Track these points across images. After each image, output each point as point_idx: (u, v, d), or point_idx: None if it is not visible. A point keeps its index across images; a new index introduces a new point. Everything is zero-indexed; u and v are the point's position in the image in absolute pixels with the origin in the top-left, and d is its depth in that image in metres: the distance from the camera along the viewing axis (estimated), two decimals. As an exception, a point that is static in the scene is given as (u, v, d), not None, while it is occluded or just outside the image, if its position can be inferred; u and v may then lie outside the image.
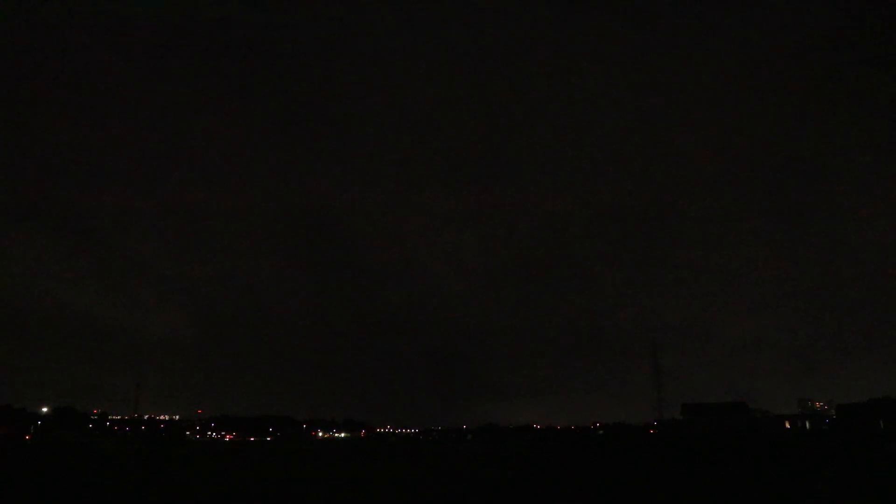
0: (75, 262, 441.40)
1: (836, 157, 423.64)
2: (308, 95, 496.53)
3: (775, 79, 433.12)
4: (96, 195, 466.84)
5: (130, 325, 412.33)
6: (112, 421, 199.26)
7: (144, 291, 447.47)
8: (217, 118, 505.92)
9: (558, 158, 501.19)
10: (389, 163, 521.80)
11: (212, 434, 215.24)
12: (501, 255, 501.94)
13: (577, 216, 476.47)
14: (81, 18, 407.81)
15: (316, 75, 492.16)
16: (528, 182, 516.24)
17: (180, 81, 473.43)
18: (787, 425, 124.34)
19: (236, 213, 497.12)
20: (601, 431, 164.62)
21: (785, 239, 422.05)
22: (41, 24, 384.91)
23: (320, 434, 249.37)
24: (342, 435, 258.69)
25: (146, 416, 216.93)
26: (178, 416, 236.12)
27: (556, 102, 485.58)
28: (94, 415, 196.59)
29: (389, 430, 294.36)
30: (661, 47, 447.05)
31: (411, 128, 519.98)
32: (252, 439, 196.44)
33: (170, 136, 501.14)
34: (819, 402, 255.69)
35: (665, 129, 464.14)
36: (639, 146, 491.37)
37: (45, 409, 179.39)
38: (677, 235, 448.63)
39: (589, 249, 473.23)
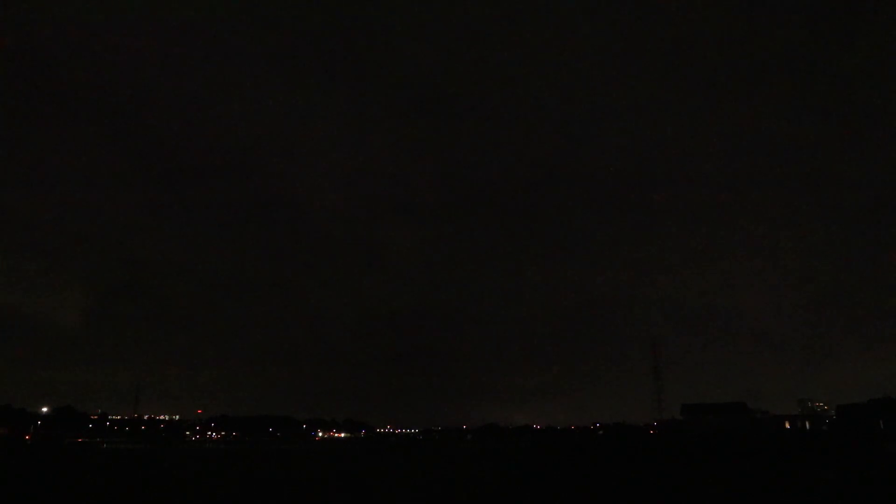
0: (74, 262, 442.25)
1: (837, 158, 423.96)
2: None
3: (778, 75, 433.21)
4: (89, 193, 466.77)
5: (130, 326, 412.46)
6: (112, 421, 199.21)
7: (141, 291, 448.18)
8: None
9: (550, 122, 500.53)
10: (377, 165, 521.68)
11: (211, 434, 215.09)
12: (500, 254, 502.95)
13: (578, 213, 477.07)
14: (78, 20, 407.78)
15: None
16: (528, 175, 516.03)
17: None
18: (787, 425, 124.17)
19: (229, 209, 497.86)
20: (601, 431, 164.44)
21: (786, 239, 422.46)
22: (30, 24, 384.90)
23: (320, 434, 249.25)
24: (342, 435, 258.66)
25: (146, 416, 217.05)
26: (178, 416, 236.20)
27: (557, 106, 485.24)
28: (95, 415, 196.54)
29: (389, 430, 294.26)
30: (658, 26, 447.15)
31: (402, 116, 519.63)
32: (252, 439, 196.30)
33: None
34: (819, 403, 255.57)
35: (667, 118, 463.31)
36: (634, 138, 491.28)
37: (45, 409, 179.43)
38: (678, 236, 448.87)
39: (589, 250, 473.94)
